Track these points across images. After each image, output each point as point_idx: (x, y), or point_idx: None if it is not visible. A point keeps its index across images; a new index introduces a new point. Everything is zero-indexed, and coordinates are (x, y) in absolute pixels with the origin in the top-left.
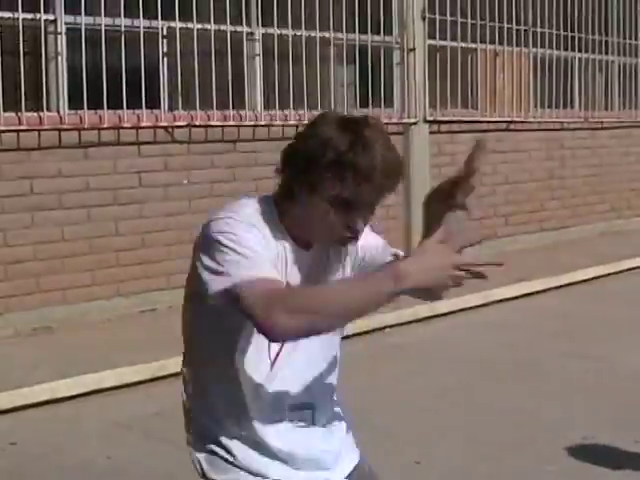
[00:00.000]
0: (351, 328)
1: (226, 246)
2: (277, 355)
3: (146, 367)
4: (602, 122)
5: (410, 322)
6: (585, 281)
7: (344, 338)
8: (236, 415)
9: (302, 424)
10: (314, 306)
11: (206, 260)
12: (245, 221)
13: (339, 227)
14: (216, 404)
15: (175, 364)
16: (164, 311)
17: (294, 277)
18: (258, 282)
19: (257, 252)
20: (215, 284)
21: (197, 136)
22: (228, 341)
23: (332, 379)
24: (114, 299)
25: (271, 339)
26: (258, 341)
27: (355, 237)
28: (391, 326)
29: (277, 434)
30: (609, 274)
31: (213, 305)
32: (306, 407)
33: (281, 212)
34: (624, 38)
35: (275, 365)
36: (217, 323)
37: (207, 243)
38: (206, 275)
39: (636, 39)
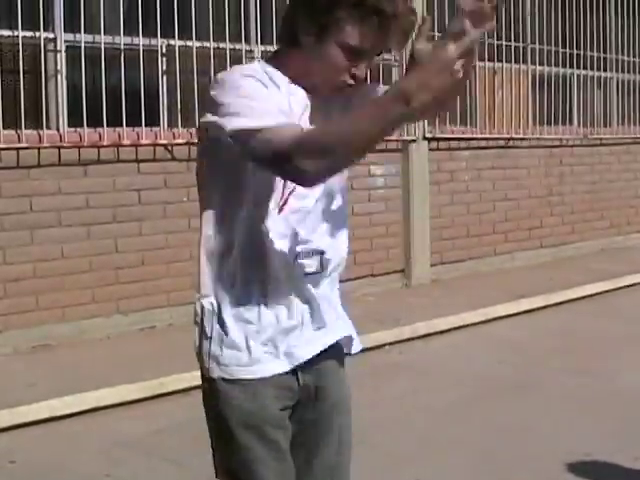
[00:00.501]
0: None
1: (236, 95)
2: (285, 200)
3: (146, 385)
4: (601, 139)
5: (410, 339)
6: (585, 298)
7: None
8: (252, 272)
9: (312, 270)
10: (332, 142)
11: (217, 107)
12: (249, 75)
13: (343, 73)
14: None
15: (175, 382)
16: (164, 329)
17: (305, 123)
18: (274, 128)
19: (267, 99)
20: (232, 122)
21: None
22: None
23: (342, 227)
24: (114, 317)
25: (299, 183)
26: (267, 186)
27: (356, 83)
28: (391, 343)
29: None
30: (609, 290)
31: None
32: (316, 253)
33: (282, 64)
34: (622, 55)
35: (284, 209)
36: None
37: (214, 96)
38: (219, 118)
39: (634, 56)
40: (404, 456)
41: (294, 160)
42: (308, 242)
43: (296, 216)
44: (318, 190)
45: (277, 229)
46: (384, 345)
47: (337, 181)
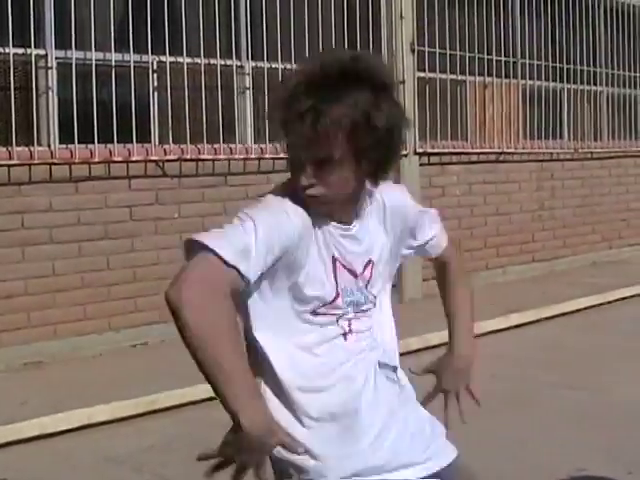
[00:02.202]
0: None
1: (254, 213)
2: (350, 326)
3: (138, 401)
4: (592, 152)
5: (402, 354)
6: (577, 311)
7: None
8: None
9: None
10: (192, 344)
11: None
12: (270, 208)
13: (297, 186)
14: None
15: (167, 398)
16: (156, 345)
17: (342, 253)
18: (211, 258)
19: (255, 228)
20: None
21: (188, 170)
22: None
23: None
24: (105, 333)
25: (168, 304)
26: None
27: (309, 196)
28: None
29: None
30: (601, 304)
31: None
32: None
33: None
34: (612, 69)
35: (349, 335)
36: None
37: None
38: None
39: (624, 70)
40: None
41: (182, 298)
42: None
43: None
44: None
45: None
46: None
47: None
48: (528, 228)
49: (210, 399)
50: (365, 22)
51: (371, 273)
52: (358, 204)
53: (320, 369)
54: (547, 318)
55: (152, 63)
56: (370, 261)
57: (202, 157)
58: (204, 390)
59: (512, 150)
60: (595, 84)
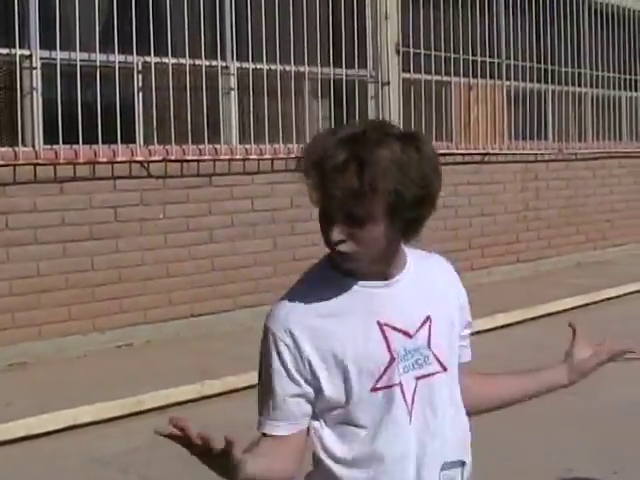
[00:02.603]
0: None
1: (262, 375)
2: (410, 414)
3: (123, 402)
4: (576, 153)
5: None
6: (562, 312)
7: None
8: None
9: None
10: None
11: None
12: (283, 329)
13: (327, 243)
14: None
15: (153, 399)
16: (141, 346)
17: (388, 309)
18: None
19: (282, 391)
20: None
21: (173, 170)
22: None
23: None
24: (90, 334)
25: None
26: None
27: (338, 254)
28: None
29: None
30: (587, 305)
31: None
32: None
33: None
34: (597, 70)
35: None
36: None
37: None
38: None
39: (608, 71)
40: None
41: None
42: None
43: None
44: None
45: None
46: None
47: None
48: (513, 229)
49: (195, 400)
50: (350, 23)
51: (429, 331)
52: (395, 260)
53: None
54: (533, 318)
55: (137, 64)
56: (428, 318)
57: (187, 158)
58: (189, 391)
59: (497, 151)
60: (580, 85)
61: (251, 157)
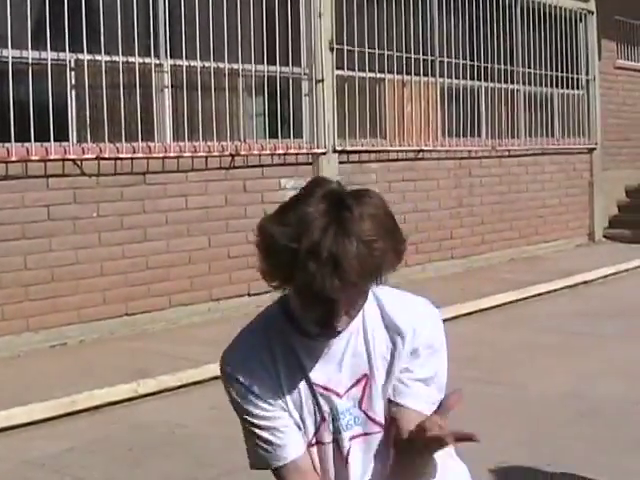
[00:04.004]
0: None
1: (237, 410)
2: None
3: (57, 403)
4: (509, 150)
5: None
6: (495, 307)
7: None
8: None
9: None
10: None
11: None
12: (237, 370)
13: (311, 322)
14: None
15: (87, 399)
16: (75, 345)
17: (321, 367)
18: (292, 472)
19: (268, 422)
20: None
21: (106, 168)
22: None
23: None
24: (23, 334)
25: None
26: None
27: (330, 332)
28: None
29: None
30: (519, 300)
31: None
32: None
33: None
34: (529, 68)
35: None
36: None
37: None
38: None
39: (540, 68)
40: None
41: None
42: None
43: None
44: None
45: None
46: None
47: None
48: (447, 225)
49: (130, 399)
50: (284, 20)
51: (363, 391)
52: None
53: None
54: (466, 314)
55: (70, 61)
56: (364, 376)
57: (120, 156)
58: (124, 390)
59: (430, 148)
60: (512, 83)
61: (185, 155)
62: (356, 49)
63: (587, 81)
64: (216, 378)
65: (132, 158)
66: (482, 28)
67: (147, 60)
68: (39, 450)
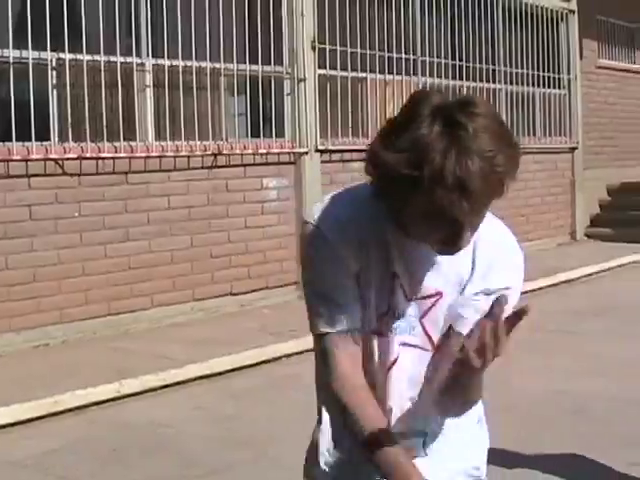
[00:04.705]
0: (247, 359)
1: (311, 271)
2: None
3: (40, 403)
4: None
5: (307, 351)
6: None
7: (237, 369)
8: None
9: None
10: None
11: (303, 277)
12: (332, 228)
13: (432, 240)
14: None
15: (70, 399)
16: (57, 346)
17: (406, 266)
18: (338, 345)
19: (339, 289)
20: (310, 316)
21: (88, 168)
22: None
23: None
24: (6, 334)
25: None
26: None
27: (454, 250)
28: (288, 355)
29: None
30: None
31: None
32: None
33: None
34: (510, 67)
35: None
36: None
37: (301, 256)
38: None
39: (522, 68)
40: (300, 469)
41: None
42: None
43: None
44: None
45: None
46: (281, 357)
47: None
48: None
49: (113, 399)
50: (266, 19)
51: (432, 305)
52: None
53: None
54: None
55: (51, 60)
56: (439, 293)
57: (102, 155)
58: (107, 390)
59: None
60: (494, 82)
61: (167, 154)
62: (338, 48)
63: (568, 80)
64: (199, 378)
65: (114, 158)
66: (464, 27)
67: (129, 59)
68: (22, 450)
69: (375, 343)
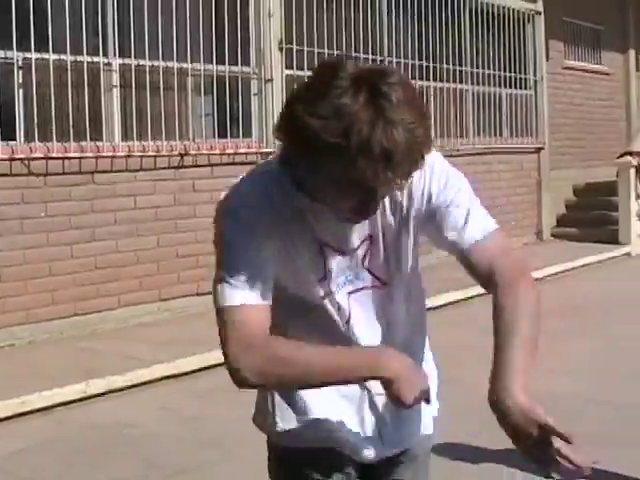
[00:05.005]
0: (213, 359)
1: (221, 244)
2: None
3: (7, 404)
4: (458, 150)
5: None
6: (441, 307)
7: (204, 369)
8: None
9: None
10: (284, 369)
11: (216, 257)
12: (241, 206)
13: (340, 208)
14: None
15: (37, 400)
16: (24, 346)
17: (327, 228)
18: (239, 316)
19: (247, 261)
20: (214, 287)
21: (54, 168)
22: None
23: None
24: None
25: (234, 382)
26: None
27: (362, 218)
28: None
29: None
30: (463, 299)
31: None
32: None
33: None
34: (477, 68)
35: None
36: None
37: (214, 236)
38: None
39: (489, 68)
40: (264, 469)
41: (242, 368)
42: None
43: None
44: None
45: None
46: None
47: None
48: None
49: (80, 400)
50: (233, 20)
51: (367, 249)
52: None
53: None
54: None
55: (17, 60)
56: (370, 236)
57: (69, 155)
58: (74, 391)
59: None
60: (461, 82)
61: (134, 154)
62: (305, 49)
63: (535, 81)
64: (165, 378)
65: (80, 157)
66: (431, 28)
67: (95, 59)
68: None
69: (328, 307)
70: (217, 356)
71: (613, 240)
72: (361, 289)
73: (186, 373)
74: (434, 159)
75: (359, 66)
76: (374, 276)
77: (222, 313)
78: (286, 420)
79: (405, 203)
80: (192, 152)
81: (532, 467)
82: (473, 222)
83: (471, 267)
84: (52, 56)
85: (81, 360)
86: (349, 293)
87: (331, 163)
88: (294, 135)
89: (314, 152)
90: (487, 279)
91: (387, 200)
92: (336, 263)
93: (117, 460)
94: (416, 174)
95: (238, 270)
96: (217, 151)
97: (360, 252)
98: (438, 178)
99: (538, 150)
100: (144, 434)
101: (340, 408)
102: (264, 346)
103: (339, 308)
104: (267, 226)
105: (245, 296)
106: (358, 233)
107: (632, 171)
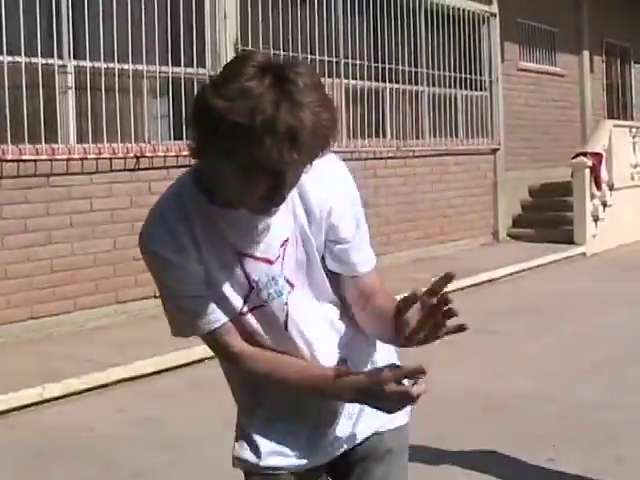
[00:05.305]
0: (170, 361)
1: (156, 279)
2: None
3: None
4: (414, 151)
5: None
6: None
7: (161, 371)
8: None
9: None
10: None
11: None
12: (157, 240)
13: (249, 200)
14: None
15: (5, 402)
16: None
17: (241, 236)
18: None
19: (189, 283)
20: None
21: (9, 171)
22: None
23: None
24: None
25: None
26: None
27: (272, 206)
28: (211, 358)
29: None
30: None
31: None
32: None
33: (202, 177)
34: (433, 69)
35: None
36: None
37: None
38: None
39: (444, 70)
40: (230, 469)
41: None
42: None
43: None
44: None
45: None
46: (204, 359)
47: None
48: None
49: (36, 403)
50: (189, 21)
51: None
52: None
53: None
54: None
55: None
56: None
57: (24, 158)
58: (30, 394)
59: (335, 149)
60: (416, 84)
61: (89, 156)
62: (261, 50)
63: (490, 83)
64: (122, 381)
65: (35, 160)
66: (386, 30)
67: (50, 61)
68: None
69: (257, 319)
70: (174, 358)
71: (568, 240)
72: (288, 293)
73: (143, 375)
74: (339, 170)
75: (269, 57)
76: (289, 283)
77: (210, 336)
78: (240, 448)
79: (311, 206)
80: (148, 154)
81: None
82: (362, 253)
83: (353, 289)
84: (6, 58)
85: (37, 364)
86: (287, 303)
87: (238, 145)
88: (202, 117)
89: (222, 135)
90: (364, 302)
91: (298, 201)
92: (263, 274)
93: (74, 464)
94: (318, 180)
95: (179, 309)
96: (173, 153)
97: (281, 256)
98: (344, 193)
99: (494, 151)
100: (101, 437)
101: (289, 428)
102: (246, 362)
103: (275, 317)
104: (184, 251)
105: (218, 316)
106: (278, 238)
107: (587, 171)
